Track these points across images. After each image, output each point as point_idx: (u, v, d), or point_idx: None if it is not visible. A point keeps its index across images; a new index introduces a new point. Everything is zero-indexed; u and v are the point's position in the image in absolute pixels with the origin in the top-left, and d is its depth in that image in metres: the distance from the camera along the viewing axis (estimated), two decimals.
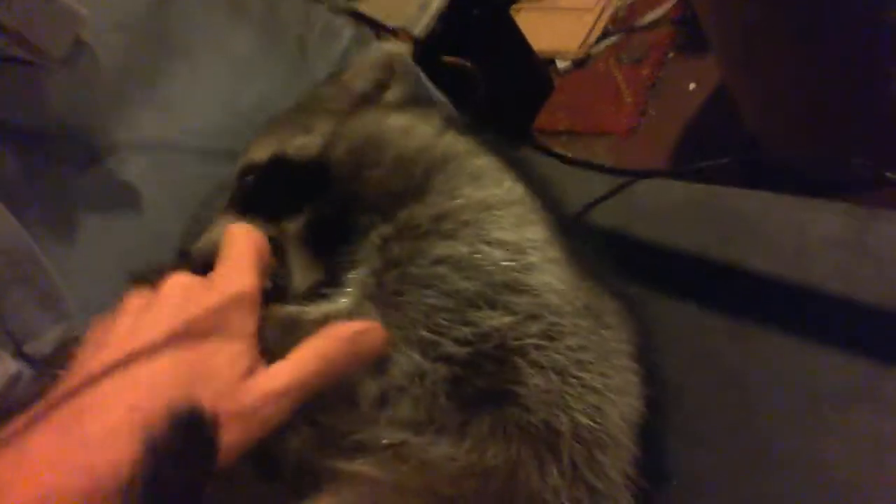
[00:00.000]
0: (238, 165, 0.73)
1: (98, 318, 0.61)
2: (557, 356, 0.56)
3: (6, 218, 0.70)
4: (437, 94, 1.03)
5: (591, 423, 0.55)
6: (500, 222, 0.60)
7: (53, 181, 0.78)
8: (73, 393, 0.51)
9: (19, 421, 0.51)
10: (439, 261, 0.57)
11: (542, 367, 0.55)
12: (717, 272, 0.75)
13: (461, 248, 0.58)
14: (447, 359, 0.55)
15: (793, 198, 0.81)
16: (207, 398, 0.50)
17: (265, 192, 0.70)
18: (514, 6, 1.92)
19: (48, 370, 0.74)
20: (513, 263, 0.58)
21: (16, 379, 0.71)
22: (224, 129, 0.87)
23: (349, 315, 0.58)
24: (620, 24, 1.85)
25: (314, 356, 0.55)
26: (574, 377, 0.56)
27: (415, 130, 0.68)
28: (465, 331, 0.55)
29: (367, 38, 0.98)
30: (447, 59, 0.91)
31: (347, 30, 0.96)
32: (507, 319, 0.56)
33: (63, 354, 0.74)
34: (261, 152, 0.71)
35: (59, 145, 0.79)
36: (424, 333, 0.55)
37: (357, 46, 0.96)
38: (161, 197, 0.83)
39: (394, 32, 1.26)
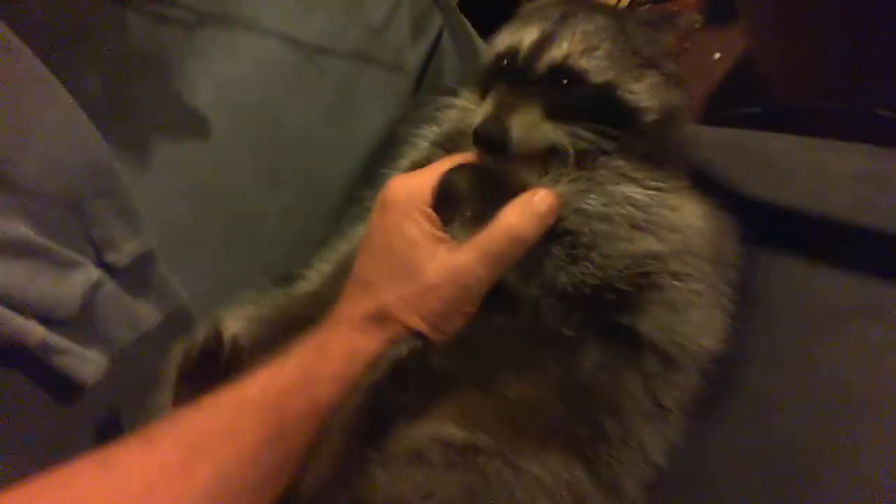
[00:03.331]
0: (530, 45, 0.73)
1: None
2: (679, 297, 0.70)
3: (93, 135, 0.76)
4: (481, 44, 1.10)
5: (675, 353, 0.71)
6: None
7: (129, 105, 0.84)
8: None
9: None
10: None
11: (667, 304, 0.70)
12: (742, 206, 0.80)
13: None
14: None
15: (816, 140, 0.87)
16: (401, 283, 0.65)
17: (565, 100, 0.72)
18: None
19: (127, 281, 0.80)
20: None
21: (97, 286, 0.77)
22: (285, 61, 0.93)
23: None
24: None
25: (503, 228, 0.65)
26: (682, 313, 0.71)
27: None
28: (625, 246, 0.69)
29: None
30: None
31: None
32: (658, 247, 0.69)
33: (139, 268, 0.81)
34: (585, 62, 0.72)
35: (136, 72, 0.85)
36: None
37: None
38: (227, 125, 0.90)
39: None
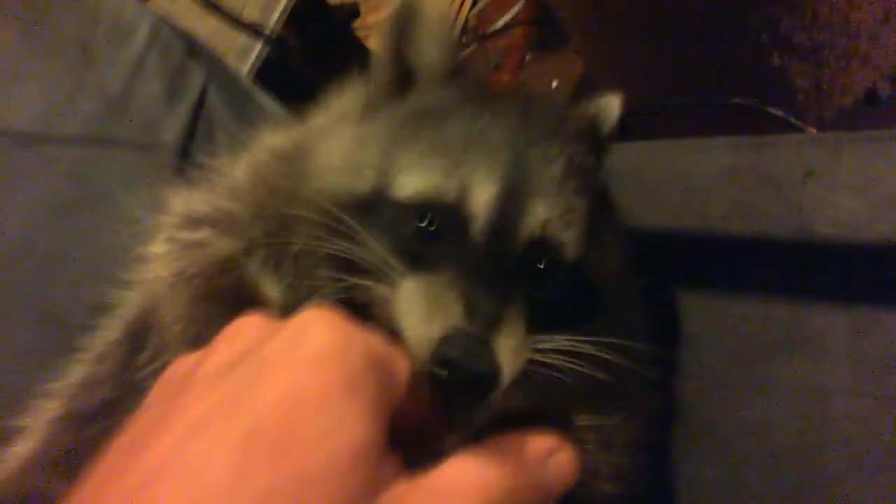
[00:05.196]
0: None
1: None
2: None
3: None
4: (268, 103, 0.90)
5: None
6: None
7: None
8: None
9: None
10: None
11: None
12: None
13: None
14: None
15: (672, 141, 0.71)
16: None
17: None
18: (362, 30, 1.82)
19: None
20: None
21: None
22: None
23: None
24: (473, 34, 1.79)
25: (498, 485, 0.40)
26: None
27: None
28: None
29: (168, 38, 0.83)
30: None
31: (143, 27, 0.81)
32: None
33: None
34: (565, 234, 0.50)
35: None
36: None
37: (156, 47, 0.81)
38: None
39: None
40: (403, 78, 0.56)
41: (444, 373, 0.41)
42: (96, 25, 0.78)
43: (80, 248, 0.72)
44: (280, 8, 1.41)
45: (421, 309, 0.44)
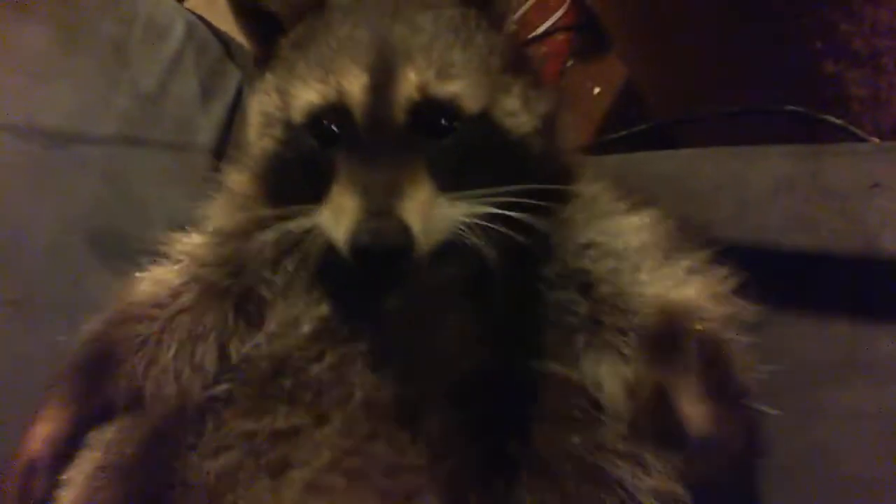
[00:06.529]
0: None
1: None
2: None
3: None
4: None
5: None
6: None
7: None
8: None
9: None
10: None
11: None
12: None
13: None
14: None
15: (721, 149, 0.68)
16: None
17: None
18: None
19: None
20: None
21: None
22: (24, 158, 0.70)
23: None
24: None
25: None
26: None
27: None
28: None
29: (204, 39, 0.81)
30: None
31: (178, 27, 0.80)
32: None
33: None
34: (449, 86, 0.52)
35: None
36: None
37: (191, 47, 0.80)
38: None
39: None
40: (272, 26, 0.59)
41: (367, 262, 0.46)
42: (131, 25, 0.78)
43: (115, 249, 0.70)
44: None
45: (333, 220, 0.49)
